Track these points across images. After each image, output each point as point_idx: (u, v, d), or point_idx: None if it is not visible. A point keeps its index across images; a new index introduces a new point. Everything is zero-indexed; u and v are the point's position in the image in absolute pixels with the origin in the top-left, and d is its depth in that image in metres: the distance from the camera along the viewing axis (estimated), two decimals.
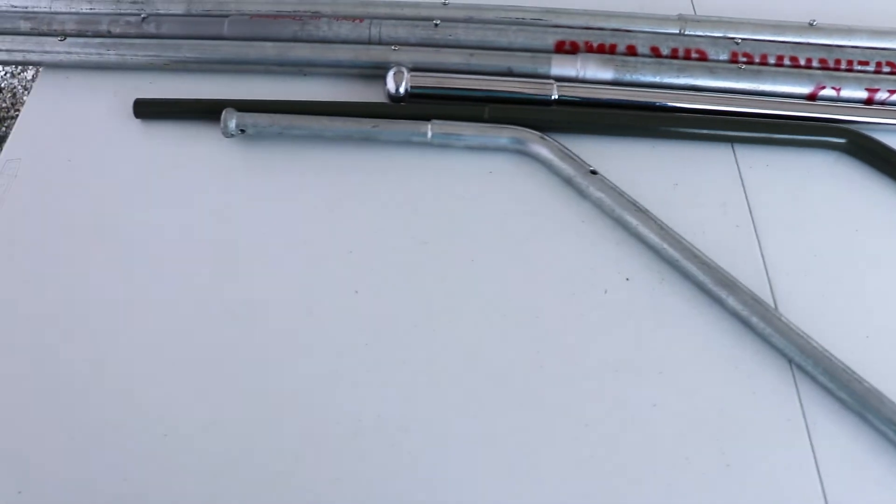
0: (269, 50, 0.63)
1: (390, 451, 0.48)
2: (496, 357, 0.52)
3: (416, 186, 0.60)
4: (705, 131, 0.62)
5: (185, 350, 0.51)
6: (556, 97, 0.62)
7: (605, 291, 0.55)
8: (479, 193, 0.60)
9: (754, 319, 0.53)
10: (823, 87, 0.64)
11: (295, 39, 0.64)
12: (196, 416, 0.48)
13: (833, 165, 0.63)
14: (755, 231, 0.59)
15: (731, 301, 0.54)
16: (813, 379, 0.52)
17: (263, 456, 0.47)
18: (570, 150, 0.60)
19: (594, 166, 0.59)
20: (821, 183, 0.62)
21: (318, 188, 0.59)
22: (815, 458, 0.50)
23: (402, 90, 0.62)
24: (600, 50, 0.65)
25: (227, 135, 0.60)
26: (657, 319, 0.54)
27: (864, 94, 0.64)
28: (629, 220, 0.57)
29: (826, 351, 0.52)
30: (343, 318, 0.53)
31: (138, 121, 0.62)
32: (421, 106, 0.62)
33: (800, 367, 0.52)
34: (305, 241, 0.56)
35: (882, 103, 0.65)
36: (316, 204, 0.58)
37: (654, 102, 0.63)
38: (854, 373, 0.52)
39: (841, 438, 0.51)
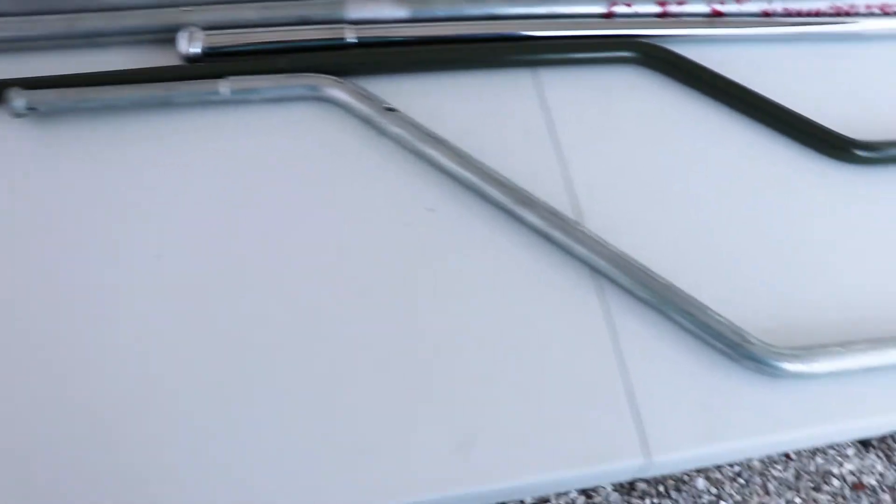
0: (55, 23, 0.62)
1: (195, 408, 0.47)
2: (310, 300, 0.52)
3: (220, 145, 0.59)
4: (504, 58, 0.63)
5: None
6: (355, 40, 0.62)
7: (407, 224, 0.56)
8: (282, 145, 0.59)
9: (555, 233, 0.55)
10: (616, 3, 0.65)
11: (82, 9, 0.62)
12: None
13: (632, 79, 0.65)
14: (559, 150, 0.60)
15: (532, 218, 0.55)
16: (614, 282, 0.54)
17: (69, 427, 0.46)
18: (368, 91, 0.60)
19: (395, 104, 0.60)
20: (621, 97, 0.64)
21: (120, 159, 0.58)
22: (621, 355, 0.52)
23: (195, 50, 0.61)
24: None
25: (15, 115, 0.58)
26: (462, 245, 0.55)
27: (656, 8, 0.66)
28: (428, 152, 0.58)
29: (624, 254, 0.54)
30: (146, 285, 0.52)
31: None
32: (217, 65, 0.61)
33: (601, 273, 0.54)
34: (108, 211, 0.55)
35: (674, 15, 0.66)
36: (117, 174, 0.57)
37: (452, 35, 0.63)
38: (651, 271, 0.53)
39: (643, 334, 0.53)
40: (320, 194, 0.57)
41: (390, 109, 0.59)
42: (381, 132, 0.59)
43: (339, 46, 0.62)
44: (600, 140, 0.61)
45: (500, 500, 0.48)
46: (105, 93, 0.59)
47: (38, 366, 0.48)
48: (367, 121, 0.60)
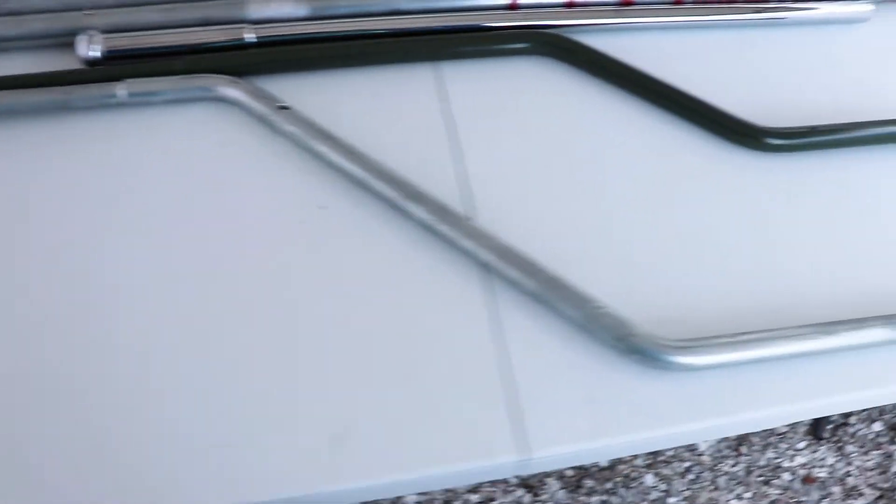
0: None
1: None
2: (200, 296, 0.52)
3: (118, 148, 0.59)
4: (403, 53, 0.62)
5: None
6: (255, 40, 0.62)
7: (300, 222, 0.56)
8: (180, 146, 0.59)
9: (442, 227, 0.54)
10: None
11: None
12: None
13: (537, 70, 0.64)
14: (456, 144, 0.60)
15: (420, 212, 0.55)
16: (501, 275, 0.53)
17: None
18: (264, 90, 0.60)
19: (294, 103, 0.59)
20: (524, 89, 0.63)
21: (18, 164, 0.58)
22: (506, 350, 0.51)
23: (95, 54, 0.61)
24: None
25: None
26: (352, 241, 0.55)
27: None
28: (320, 149, 0.57)
29: (510, 246, 0.53)
30: (44, 284, 0.52)
31: None
32: (116, 68, 0.61)
33: (488, 266, 0.54)
34: (4, 214, 0.55)
35: (581, 5, 0.66)
36: (15, 179, 0.57)
37: (353, 31, 0.63)
38: (537, 263, 0.53)
39: (530, 328, 0.52)
40: (215, 194, 0.57)
41: (283, 108, 0.59)
42: (276, 131, 0.59)
43: (240, 46, 0.62)
44: (500, 133, 0.61)
45: (373, 497, 0.48)
46: (1, 98, 0.59)
47: None
48: (262, 120, 0.59)
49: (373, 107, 0.61)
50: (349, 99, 0.61)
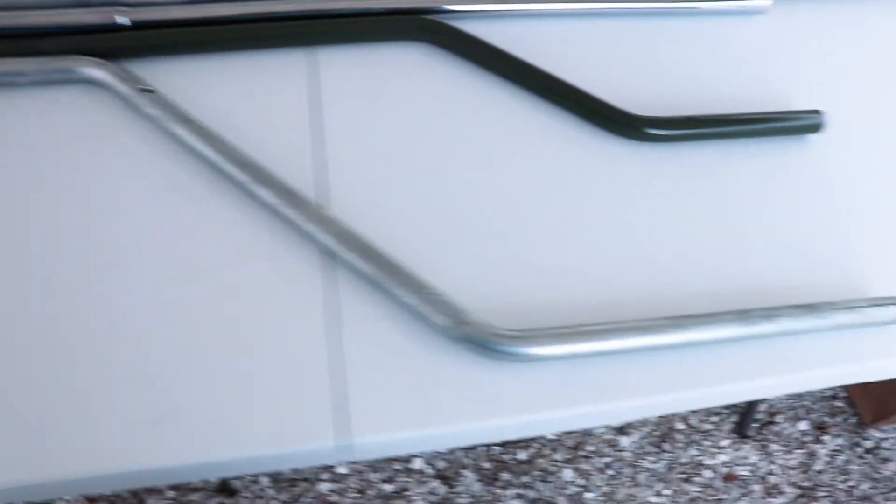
0: None
1: None
2: (50, 274, 0.52)
3: None
4: (275, 38, 0.62)
5: None
6: (128, 23, 0.62)
7: (151, 204, 0.56)
8: (46, 127, 0.59)
9: (287, 210, 0.54)
10: None
11: None
12: None
13: (416, 57, 0.64)
14: (320, 130, 0.60)
15: (267, 195, 0.55)
16: (342, 260, 0.53)
17: None
18: (129, 72, 0.60)
19: (165, 87, 0.60)
20: (401, 75, 0.63)
21: None
22: (340, 336, 0.51)
23: None
24: None
25: None
26: (200, 223, 0.55)
27: None
28: (178, 132, 0.57)
29: (352, 231, 0.53)
30: None
31: None
32: None
33: (329, 250, 0.53)
34: None
35: None
36: None
37: (229, 16, 0.63)
38: (377, 249, 0.53)
39: (368, 314, 0.52)
40: (74, 174, 0.57)
41: (147, 90, 0.59)
42: (139, 113, 0.59)
43: (115, 29, 0.62)
44: (367, 120, 0.60)
45: (195, 477, 0.48)
46: None
47: None
48: (126, 102, 0.59)
49: (242, 92, 0.61)
50: (220, 84, 0.61)
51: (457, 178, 0.59)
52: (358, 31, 0.63)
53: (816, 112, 0.63)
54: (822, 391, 1.16)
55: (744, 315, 0.54)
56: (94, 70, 0.60)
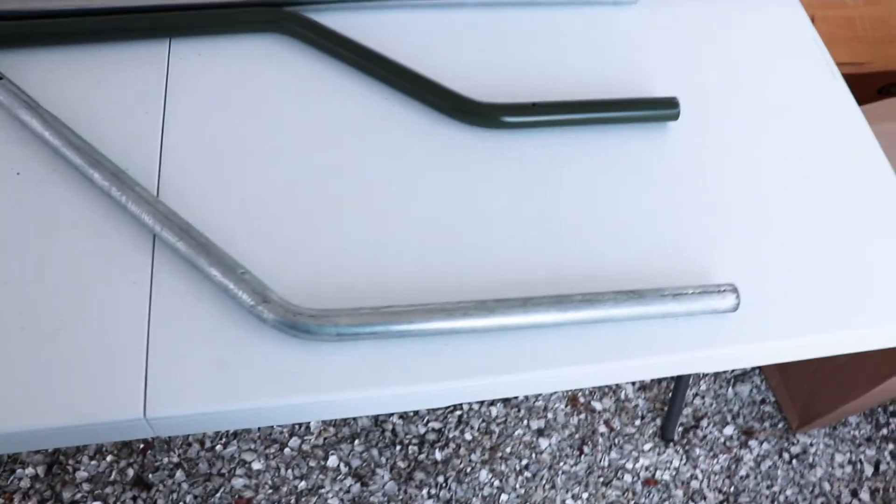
0: None
1: None
2: None
3: None
4: (137, 30, 0.64)
5: None
6: None
7: None
8: None
9: (115, 192, 0.55)
10: None
11: None
12: None
13: (271, 47, 0.65)
14: (164, 120, 0.61)
15: (98, 178, 0.56)
16: (162, 239, 0.54)
17: None
18: None
19: (20, 77, 0.62)
20: (254, 66, 0.64)
21: None
22: (151, 312, 0.52)
23: None
24: None
25: None
26: (40, 204, 0.57)
27: None
28: (24, 118, 0.59)
29: (171, 212, 0.54)
30: None
31: None
32: None
33: (150, 230, 0.54)
34: None
35: None
36: None
37: (92, 7, 0.64)
38: (193, 229, 0.53)
39: (181, 292, 0.53)
40: None
41: None
42: None
43: None
44: (212, 109, 0.62)
45: (10, 449, 0.49)
46: None
47: None
48: None
49: (99, 82, 0.63)
50: (76, 74, 0.63)
51: (291, 165, 0.60)
52: (215, 23, 0.65)
53: (672, 100, 0.63)
54: (751, 396, 1.14)
55: (561, 300, 0.53)
56: None
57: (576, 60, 0.67)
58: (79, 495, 0.96)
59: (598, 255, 0.57)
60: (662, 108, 0.63)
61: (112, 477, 0.97)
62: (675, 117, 0.63)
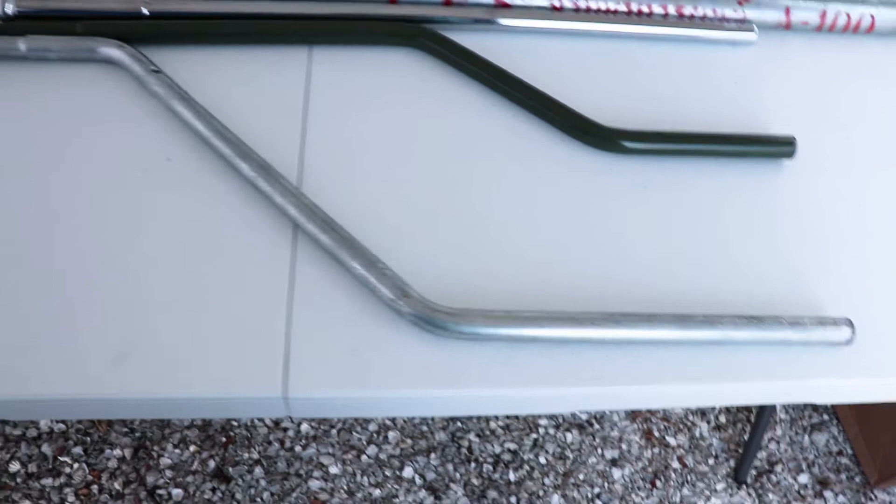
0: None
1: None
2: (39, 233, 0.58)
3: (16, 96, 0.66)
4: (277, 35, 0.68)
5: None
6: (147, 12, 0.68)
7: (146, 170, 0.61)
8: (67, 100, 0.66)
9: (261, 183, 0.58)
10: None
11: None
12: None
13: (406, 62, 0.68)
14: (305, 120, 0.64)
15: (246, 169, 0.59)
16: (304, 231, 0.57)
17: None
18: (142, 54, 0.66)
19: (174, 71, 0.65)
20: (389, 77, 0.67)
21: None
22: (293, 298, 0.55)
23: (7, 10, 0.69)
24: None
25: None
26: (188, 189, 0.60)
27: None
28: (178, 109, 0.63)
29: (315, 205, 0.57)
30: None
31: None
32: (25, 25, 0.68)
33: (294, 221, 0.57)
34: None
35: (458, 4, 0.69)
36: None
37: (240, 12, 0.68)
38: (336, 223, 0.56)
39: (322, 281, 0.56)
40: (87, 142, 0.63)
41: (155, 71, 0.64)
42: (148, 91, 0.65)
43: (136, 17, 0.69)
44: (350, 114, 0.65)
45: (151, 415, 0.51)
46: None
47: None
48: (138, 81, 0.65)
49: (243, 80, 0.66)
50: (224, 71, 0.67)
51: (427, 172, 0.62)
52: (354, 34, 0.68)
53: (789, 138, 0.65)
54: (827, 446, 1.13)
55: (684, 319, 0.55)
56: (113, 50, 0.66)
57: (693, 95, 0.69)
58: (161, 481, 0.99)
59: (712, 280, 0.59)
60: (779, 146, 0.65)
61: (194, 467, 0.99)
62: (791, 155, 0.65)
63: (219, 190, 0.60)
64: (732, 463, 1.08)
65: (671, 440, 1.07)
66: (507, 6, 0.70)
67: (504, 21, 0.70)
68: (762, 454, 1.06)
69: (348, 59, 0.68)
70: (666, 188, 0.63)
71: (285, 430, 1.06)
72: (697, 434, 1.09)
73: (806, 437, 1.12)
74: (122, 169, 0.61)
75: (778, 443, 1.10)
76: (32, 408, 0.53)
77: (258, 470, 1.01)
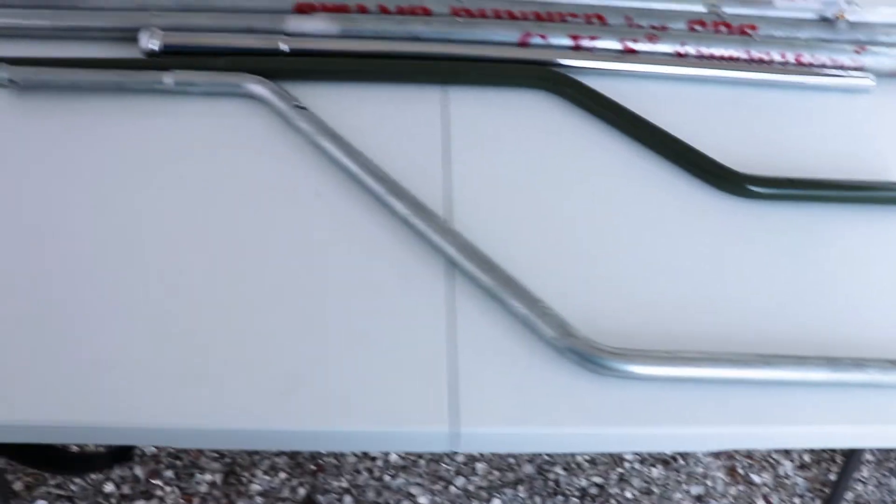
0: (44, 16, 0.73)
1: None
2: (197, 264, 0.59)
3: (160, 127, 0.68)
4: (414, 74, 0.70)
5: None
6: (286, 49, 0.70)
7: (297, 206, 0.63)
8: (210, 131, 0.67)
9: (416, 221, 0.60)
10: (531, 35, 0.71)
11: (71, 7, 0.73)
12: None
13: (537, 103, 0.70)
14: (447, 157, 0.66)
15: (399, 206, 0.61)
16: (461, 268, 0.58)
17: None
18: (286, 90, 0.68)
19: (315, 107, 0.67)
20: (522, 118, 0.69)
21: (80, 130, 0.67)
22: (455, 335, 0.56)
23: (153, 46, 0.71)
24: (334, 9, 0.73)
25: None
26: (337, 226, 0.61)
27: (569, 41, 0.71)
28: (324, 145, 0.65)
29: (472, 244, 0.59)
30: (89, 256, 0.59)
31: None
32: (169, 59, 0.70)
33: (450, 259, 0.59)
34: (64, 170, 0.64)
35: (587, 49, 0.72)
36: (75, 141, 0.67)
37: (375, 51, 0.70)
38: (493, 262, 0.58)
39: (480, 318, 0.57)
40: (232, 172, 0.65)
41: (300, 107, 0.66)
42: (291, 126, 0.67)
43: (275, 53, 0.71)
44: (491, 153, 0.67)
45: (318, 446, 0.53)
46: (72, 74, 0.69)
47: None
48: (280, 116, 0.67)
49: (383, 117, 0.68)
50: (364, 108, 0.69)
51: (568, 211, 0.64)
52: (488, 75, 0.70)
53: None
54: None
55: (834, 362, 0.56)
56: (257, 86, 0.68)
57: (810, 140, 0.71)
58: None
59: (843, 323, 0.61)
60: None
61: (284, 494, 1.00)
62: None
63: (370, 226, 0.61)
64: (818, 503, 1.09)
65: (755, 478, 1.09)
66: (633, 52, 0.72)
67: (630, 66, 0.72)
68: (849, 495, 1.08)
69: (483, 100, 0.70)
70: (797, 232, 0.65)
71: (374, 459, 1.07)
72: (782, 473, 1.10)
73: (893, 480, 1.13)
74: (274, 203, 0.63)
75: (865, 484, 1.11)
76: (203, 437, 0.55)
77: (348, 499, 1.02)
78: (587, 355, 0.54)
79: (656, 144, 0.68)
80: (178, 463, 1.02)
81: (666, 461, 1.09)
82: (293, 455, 1.05)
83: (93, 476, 0.98)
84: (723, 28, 0.73)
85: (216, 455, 1.03)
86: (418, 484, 1.03)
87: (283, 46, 0.70)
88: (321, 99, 0.69)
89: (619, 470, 1.05)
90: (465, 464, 1.06)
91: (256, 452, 1.04)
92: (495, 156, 0.66)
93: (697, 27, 0.73)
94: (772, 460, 1.12)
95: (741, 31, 0.73)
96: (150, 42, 0.71)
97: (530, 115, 0.70)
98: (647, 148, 0.68)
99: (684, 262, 0.62)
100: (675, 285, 0.61)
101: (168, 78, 0.68)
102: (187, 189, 0.63)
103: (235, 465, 1.05)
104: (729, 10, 0.75)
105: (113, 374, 0.53)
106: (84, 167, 0.64)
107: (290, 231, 0.61)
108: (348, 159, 0.63)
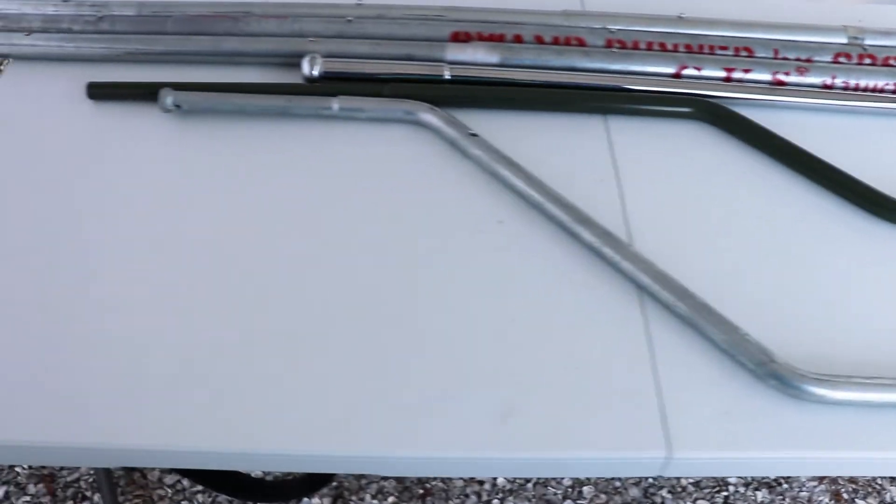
0: (204, 42, 0.74)
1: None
2: (392, 291, 0.60)
3: (328, 152, 0.69)
4: (578, 103, 0.71)
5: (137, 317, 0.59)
6: (449, 77, 0.72)
7: (480, 232, 0.64)
8: (379, 158, 0.69)
9: (607, 250, 0.61)
10: (686, 67, 0.73)
11: (228, 34, 0.75)
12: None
13: (693, 133, 0.72)
14: (619, 184, 0.68)
15: (587, 235, 0.62)
16: (655, 297, 0.60)
17: None
18: (456, 118, 0.69)
19: (480, 133, 0.69)
20: (681, 147, 0.71)
21: (242, 157, 0.68)
22: (655, 362, 0.57)
23: (315, 72, 0.72)
24: (490, 39, 0.74)
25: (164, 110, 0.69)
26: (525, 253, 0.63)
27: (722, 73, 0.73)
28: (502, 172, 0.66)
29: (666, 273, 0.60)
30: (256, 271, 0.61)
31: (91, 102, 0.72)
32: (331, 85, 0.72)
33: (644, 288, 0.60)
34: (227, 192, 0.65)
35: (739, 81, 0.74)
36: (239, 165, 0.68)
37: (535, 80, 0.72)
38: (689, 290, 0.59)
39: (678, 345, 0.58)
40: (408, 201, 0.66)
41: (473, 135, 0.68)
42: (464, 154, 0.68)
43: (437, 81, 0.72)
44: (657, 181, 0.68)
45: (533, 473, 0.54)
46: (237, 98, 0.70)
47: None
48: (452, 143, 0.69)
49: (548, 144, 0.70)
50: (528, 135, 0.70)
51: (739, 237, 0.65)
52: (647, 107, 0.72)
53: None
54: None
55: None
56: (427, 114, 0.69)
57: None
58: None
59: None
60: None
61: None
62: None
63: (556, 253, 0.63)
64: None
65: (860, 503, 1.10)
66: (782, 84, 0.74)
67: (780, 98, 0.74)
68: None
69: (641, 129, 0.72)
70: None
71: (481, 483, 1.08)
72: (888, 499, 1.11)
73: None
74: (455, 231, 0.64)
75: None
76: (418, 465, 0.55)
77: None
78: (790, 381, 0.56)
79: (814, 173, 0.70)
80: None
81: (770, 485, 1.10)
82: (400, 479, 1.05)
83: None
84: (867, 60, 0.76)
85: None
86: None
87: (447, 74, 0.72)
88: (484, 126, 0.70)
89: (724, 493, 1.06)
90: (571, 487, 1.07)
91: (364, 475, 1.04)
92: (662, 185, 0.68)
93: (842, 59, 0.75)
94: (876, 486, 1.13)
95: (885, 62, 0.76)
96: (312, 68, 0.72)
97: (690, 145, 0.71)
98: (804, 177, 0.70)
99: (855, 288, 0.64)
100: (848, 310, 0.62)
101: (335, 103, 0.70)
102: (363, 214, 0.64)
103: (343, 490, 1.05)
104: (871, 41, 0.77)
105: (329, 401, 0.54)
106: (249, 192, 0.66)
107: (475, 258, 0.62)
108: (528, 187, 0.65)
